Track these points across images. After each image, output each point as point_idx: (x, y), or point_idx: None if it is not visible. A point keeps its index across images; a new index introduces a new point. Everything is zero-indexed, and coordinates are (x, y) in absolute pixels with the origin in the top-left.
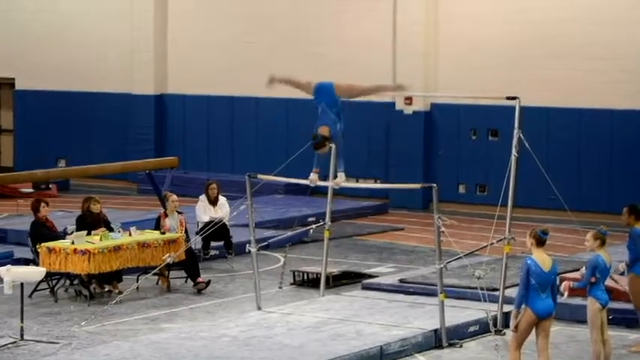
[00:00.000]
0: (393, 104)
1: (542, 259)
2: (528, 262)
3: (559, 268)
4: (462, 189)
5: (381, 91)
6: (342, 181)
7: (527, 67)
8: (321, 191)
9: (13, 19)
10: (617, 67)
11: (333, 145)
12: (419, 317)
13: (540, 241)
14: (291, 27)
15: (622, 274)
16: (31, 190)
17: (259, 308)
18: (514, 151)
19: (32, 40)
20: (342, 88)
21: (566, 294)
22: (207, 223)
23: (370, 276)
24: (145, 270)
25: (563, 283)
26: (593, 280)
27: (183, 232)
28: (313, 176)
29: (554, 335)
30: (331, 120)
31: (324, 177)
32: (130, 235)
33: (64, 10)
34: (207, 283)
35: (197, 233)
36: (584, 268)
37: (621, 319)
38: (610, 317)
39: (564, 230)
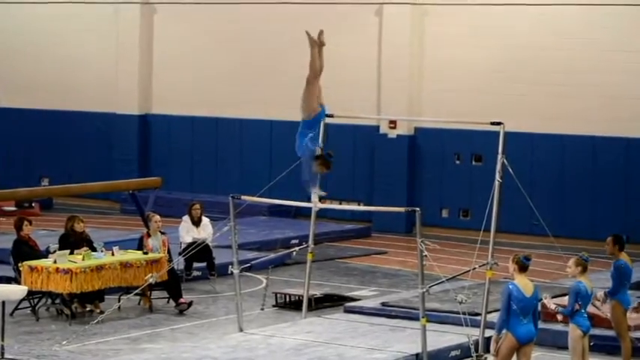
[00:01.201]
0: (377, 128)
1: (524, 284)
2: (510, 287)
3: (541, 293)
4: (445, 213)
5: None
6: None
7: (510, 93)
8: (304, 213)
9: None
10: (600, 93)
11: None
12: (400, 341)
13: (523, 267)
14: (277, 49)
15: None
16: (13, 209)
17: (241, 330)
18: (497, 177)
19: (16, 58)
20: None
21: (552, 310)
22: (190, 244)
23: (352, 299)
24: (127, 290)
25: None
26: (577, 307)
27: (166, 252)
28: (316, 198)
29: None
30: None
31: (307, 198)
32: (113, 254)
33: (49, 29)
34: (190, 303)
35: (180, 254)
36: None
37: (602, 346)
38: (591, 344)
39: (547, 256)
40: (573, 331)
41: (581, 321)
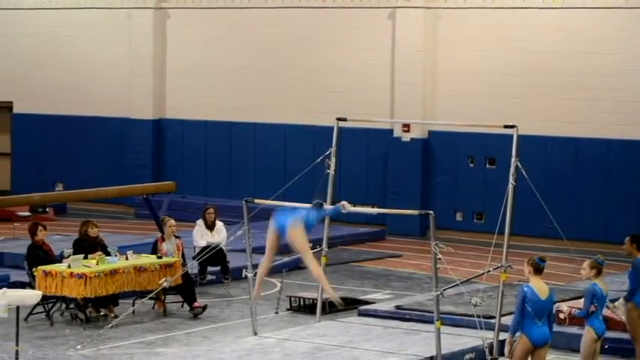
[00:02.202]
0: (391, 131)
1: (539, 286)
2: (525, 289)
3: (556, 296)
4: (459, 216)
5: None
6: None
7: (524, 96)
8: None
9: (12, 43)
10: (614, 97)
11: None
12: (415, 344)
13: (538, 269)
14: (290, 54)
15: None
16: (28, 214)
17: (255, 333)
18: (511, 180)
19: (31, 64)
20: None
21: (565, 313)
22: (204, 248)
23: (367, 302)
24: (142, 294)
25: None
26: (592, 309)
27: (180, 256)
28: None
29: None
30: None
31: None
32: (127, 259)
33: (63, 35)
34: (204, 307)
35: (194, 258)
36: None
37: (617, 349)
38: (606, 347)
39: (561, 259)
40: (588, 334)
41: (596, 324)
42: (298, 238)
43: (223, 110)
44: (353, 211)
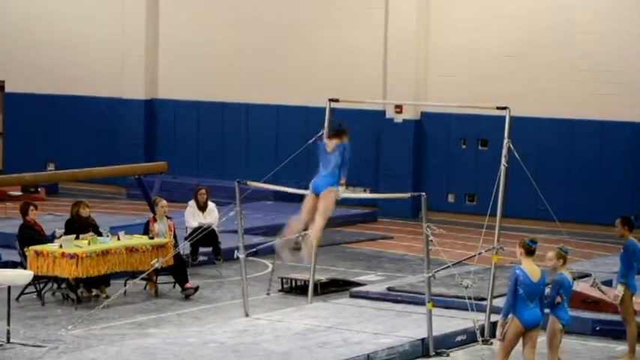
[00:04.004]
0: (383, 112)
1: (531, 269)
2: (517, 271)
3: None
4: (451, 198)
5: None
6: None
7: (517, 78)
8: None
9: (3, 22)
10: (608, 78)
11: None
12: (406, 326)
13: (529, 251)
14: (283, 34)
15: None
16: (19, 193)
17: (247, 315)
18: (504, 161)
19: (22, 43)
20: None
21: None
22: (195, 229)
23: (358, 284)
24: (133, 275)
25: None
26: (558, 299)
27: (172, 237)
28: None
29: (541, 346)
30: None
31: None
32: (119, 239)
33: (54, 13)
34: (196, 288)
35: (186, 239)
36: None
37: (608, 331)
38: (597, 329)
39: (553, 241)
40: (553, 324)
41: (562, 314)
42: (329, 200)
43: (216, 90)
44: (347, 197)
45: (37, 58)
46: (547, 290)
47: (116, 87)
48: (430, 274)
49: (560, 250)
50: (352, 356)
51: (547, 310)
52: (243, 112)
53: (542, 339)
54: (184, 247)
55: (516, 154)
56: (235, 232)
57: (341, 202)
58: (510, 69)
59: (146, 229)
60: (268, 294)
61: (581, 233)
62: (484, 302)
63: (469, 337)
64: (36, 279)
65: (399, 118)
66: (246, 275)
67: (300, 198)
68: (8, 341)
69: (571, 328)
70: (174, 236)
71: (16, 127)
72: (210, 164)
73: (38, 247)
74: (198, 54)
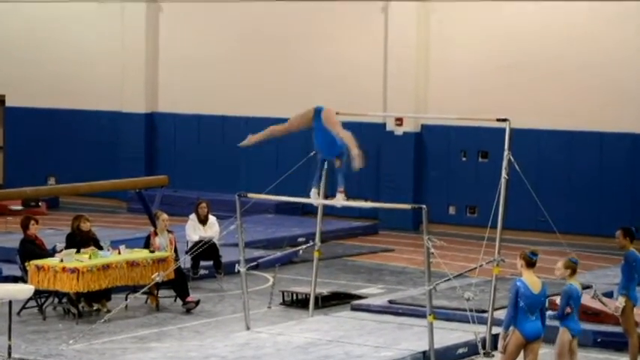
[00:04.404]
0: (383, 125)
1: (531, 281)
2: (518, 283)
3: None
4: (452, 210)
5: None
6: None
7: (517, 90)
8: (311, 211)
9: (4, 36)
10: (607, 89)
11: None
12: (408, 339)
13: (530, 263)
14: (283, 47)
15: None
16: (20, 208)
17: (248, 328)
18: (504, 173)
19: (22, 57)
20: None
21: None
22: (196, 243)
23: (359, 297)
24: (134, 289)
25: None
26: (568, 310)
27: (173, 251)
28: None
29: (542, 358)
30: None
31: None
32: (120, 253)
33: (55, 28)
34: (197, 302)
35: (186, 252)
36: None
37: (610, 342)
38: (598, 340)
39: (554, 252)
40: (563, 335)
41: (572, 325)
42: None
43: (216, 104)
44: (347, 205)
45: (37, 73)
46: (551, 301)
47: (116, 100)
48: (431, 287)
49: (569, 260)
50: None
51: (548, 322)
52: (244, 125)
53: (544, 351)
54: (185, 261)
55: (517, 166)
56: (236, 245)
57: (342, 214)
58: (509, 81)
59: (147, 243)
60: (269, 307)
61: (582, 245)
62: (485, 314)
63: (471, 350)
64: (37, 293)
65: (399, 131)
66: (247, 289)
67: (301, 210)
68: (9, 356)
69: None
70: (175, 250)
71: (17, 142)
72: (211, 178)
73: (39, 262)
74: (199, 67)
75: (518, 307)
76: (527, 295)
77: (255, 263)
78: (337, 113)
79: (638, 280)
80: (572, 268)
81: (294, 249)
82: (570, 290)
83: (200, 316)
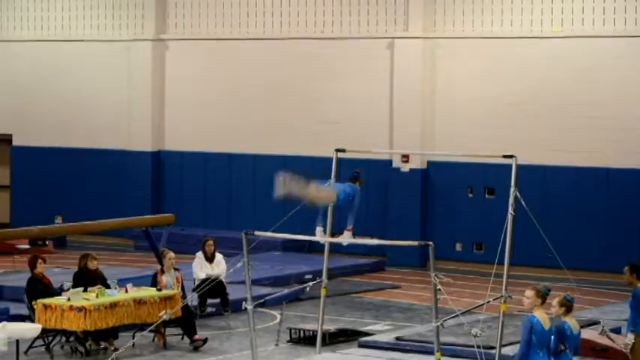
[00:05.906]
0: (390, 162)
1: (543, 317)
2: (533, 319)
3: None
4: (458, 247)
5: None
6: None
7: (523, 126)
8: (318, 249)
9: (11, 76)
10: (613, 125)
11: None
12: None
13: (545, 300)
14: (289, 85)
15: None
16: (27, 247)
17: None
18: (510, 210)
19: (30, 96)
20: None
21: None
22: (203, 280)
23: (367, 334)
24: (141, 327)
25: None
26: (562, 347)
27: (180, 288)
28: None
29: None
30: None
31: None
32: (127, 291)
33: (61, 67)
34: (204, 340)
35: (193, 290)
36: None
37: None
38: None
39: (561, 288)
40: None
41: None
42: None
43: (222, 142)
44: (353, 243)
45: (44, 112)
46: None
47: (123, 138)
48: (439, 323)
49: (564, 298)
50: None
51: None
52: (250, 162)
53: None
54: (192, 299)
55: (523, 203)
56: (243, 283)
57: (349, 251)
58: (516, 117)
59: (154, 281)
60: (277, 345)
61: (589, 280)
62: (493, 351)
63: None
64: (44, 332)
65: (405, 168)
66: (255, 326)
67: (308, 247)
68: None
69: None
70: (182, 288)
71: (24, 180)
72: (218, 215)
73: (46, 300)
74: (205, 105)
75: (531, 344)
76: (540, 331)
77: (262, 300)
78: (344, 151)
79: None
80: (566, 305)
81: (301, 286)
82: (561, 327)
83: (207, 354)
